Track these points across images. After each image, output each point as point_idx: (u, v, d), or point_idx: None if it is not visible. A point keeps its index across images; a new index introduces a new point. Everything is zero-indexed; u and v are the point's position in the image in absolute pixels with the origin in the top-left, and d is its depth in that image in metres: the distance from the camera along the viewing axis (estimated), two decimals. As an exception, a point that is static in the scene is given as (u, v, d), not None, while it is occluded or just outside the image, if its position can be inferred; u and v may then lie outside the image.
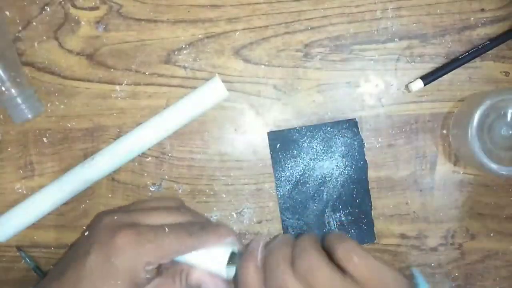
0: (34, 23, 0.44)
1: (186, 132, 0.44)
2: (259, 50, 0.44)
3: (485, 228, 0.44)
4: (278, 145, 0.44)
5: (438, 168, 0.44)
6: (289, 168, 0.44)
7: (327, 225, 0.44)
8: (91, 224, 0.34)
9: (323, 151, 0.44)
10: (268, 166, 0.44)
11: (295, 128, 0.44)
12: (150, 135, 0.43)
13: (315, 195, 0.44)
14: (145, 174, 0.45)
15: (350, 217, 0.44)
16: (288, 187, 0.44)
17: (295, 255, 0.31)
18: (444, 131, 0.44)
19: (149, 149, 0.44)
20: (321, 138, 0.44)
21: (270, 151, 0.44)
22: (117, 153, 0.43)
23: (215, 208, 0.45)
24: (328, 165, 0.44)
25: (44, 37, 0.44)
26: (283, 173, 0.44)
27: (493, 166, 0.38)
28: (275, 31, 0.43)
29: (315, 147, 0.44)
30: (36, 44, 0.44)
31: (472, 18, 0.43)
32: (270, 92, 0.44)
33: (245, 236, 0.45)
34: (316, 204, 0.44)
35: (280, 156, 0.44)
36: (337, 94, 0.44)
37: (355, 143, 0.44)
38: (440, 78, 0.43)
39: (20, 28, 0.44)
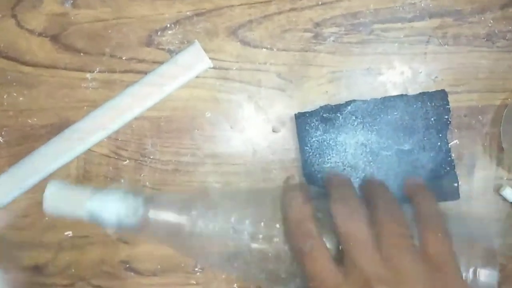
0: (-13, -2, 0.43)
1: (171, 129, 0.42)
2: (260, 30, 0.41)
3: (532, 246, 0.42)
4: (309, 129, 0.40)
5: (477, 173, 0.41)
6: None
7: None
8: None
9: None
10: (270, 169, 0.41)
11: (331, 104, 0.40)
12: (120, 110, 0.41)
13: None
14: (122, 181, 0.42)
15: None
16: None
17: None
18: (486, 128, 0.41)
19: (125, 150, 0.42)
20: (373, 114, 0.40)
21: (298, 137, 0.40)
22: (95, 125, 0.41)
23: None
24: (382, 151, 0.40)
25: (0, 15, 0.42)
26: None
27: None
28: (279, 7, 0.41)
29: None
30: (-11, 23, 0.42)
31: (517, -8, 0.40)
32: (272, 82, 0.42)
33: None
34: None
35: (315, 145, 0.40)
36: (354, 84, 0.41)
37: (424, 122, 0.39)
38: (478, 65, 0.40)
39: (-30, 3, 0.43)
